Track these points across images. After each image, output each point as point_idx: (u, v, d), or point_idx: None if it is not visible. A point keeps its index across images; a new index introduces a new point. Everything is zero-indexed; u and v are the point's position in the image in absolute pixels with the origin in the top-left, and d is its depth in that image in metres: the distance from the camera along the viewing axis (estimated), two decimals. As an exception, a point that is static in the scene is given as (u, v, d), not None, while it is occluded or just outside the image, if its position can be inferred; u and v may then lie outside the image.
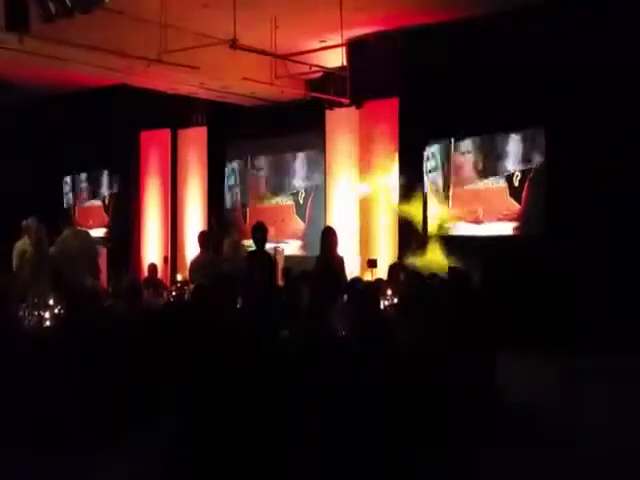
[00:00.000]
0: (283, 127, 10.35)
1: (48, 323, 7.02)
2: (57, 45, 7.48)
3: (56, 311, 7.28)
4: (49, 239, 8.56)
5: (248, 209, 11.24)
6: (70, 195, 13.00)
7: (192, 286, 7.06)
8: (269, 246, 7.87)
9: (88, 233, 8.81)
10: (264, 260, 7.03)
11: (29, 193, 11.78)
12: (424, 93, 8.58)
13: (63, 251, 8.09)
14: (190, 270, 8.10)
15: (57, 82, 10.85)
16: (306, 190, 10.70)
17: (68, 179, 13.03)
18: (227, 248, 8.56)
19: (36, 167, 12.25)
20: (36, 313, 7.13)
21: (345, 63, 8.67)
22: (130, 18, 7.76)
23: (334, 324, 5.49)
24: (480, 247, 8.19)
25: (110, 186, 12.42)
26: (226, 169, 11.50)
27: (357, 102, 9.26)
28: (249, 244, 9.22)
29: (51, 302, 7.72)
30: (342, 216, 9.46)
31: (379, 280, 7.79)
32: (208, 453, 4.30)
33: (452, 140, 8.81)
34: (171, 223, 11.63)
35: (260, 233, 7.13)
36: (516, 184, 8.31)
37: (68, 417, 5.55)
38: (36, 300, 7.36)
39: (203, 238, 8.51)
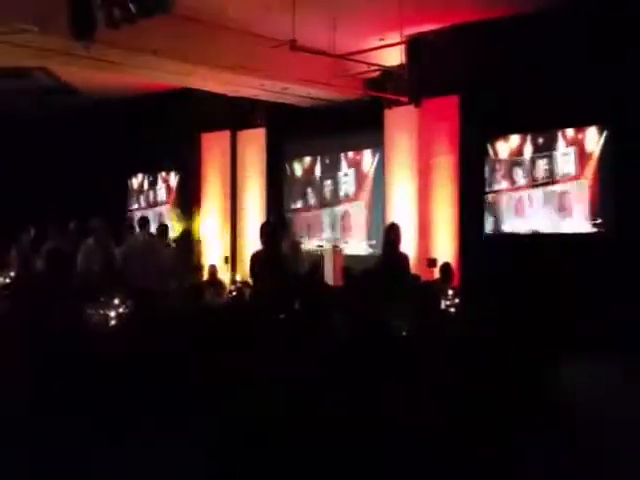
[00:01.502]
0: (341, 127, 10.33)
1: (113, 322, 7.20)
2: (121, 51, 7.66)
3: (121, 310, 7.45)
4: (116, 240, 8.79)
5: (310, 208, 11.28)
6: (135, 196, 13.32)
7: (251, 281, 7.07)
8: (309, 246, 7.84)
9: (156, 236, 8.99)
10: (400, 262, 6.92)
11: (95, 194, 12.12)
12: (486, 90, 8.44)
13: (130, 252, 8.29)
14: (252, 264, 8.11)
15: (121, 87, 11.11)
16: (365, 189, 10.66)
17: (133, 181, 13.36)
18: (286, 249, 8.58)
19: (102, 169, 12.58)
20: (102, 312, 7.31)
21: (404, 61, 8.58)
22: (192, 22, 7.90)
23: (396, 323, 5.45)
24: (532, 246, 7.97)
25: (170, 187, 12.67)
26: (285, 169, 11.56)
27: (416, 100, 9.17)
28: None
29: (116, 301, 7.90)
30: (401, 214, 9.38)
31: (439, 280, 7.71)
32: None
33: (515, 137, 8.65)
34: (231, 223, 11.76)
35: (393, 233, 7.03)
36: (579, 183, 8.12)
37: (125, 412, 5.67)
38: (102, 299, 7.55)
39: (266, 229, 8.54)
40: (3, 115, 12.21)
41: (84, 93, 11.49)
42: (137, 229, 9.01)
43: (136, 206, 13.20)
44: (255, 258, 7.46)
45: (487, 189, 8.84)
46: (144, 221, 9.03)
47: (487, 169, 8.84)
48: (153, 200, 13.03)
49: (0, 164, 13.15)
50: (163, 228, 9.27)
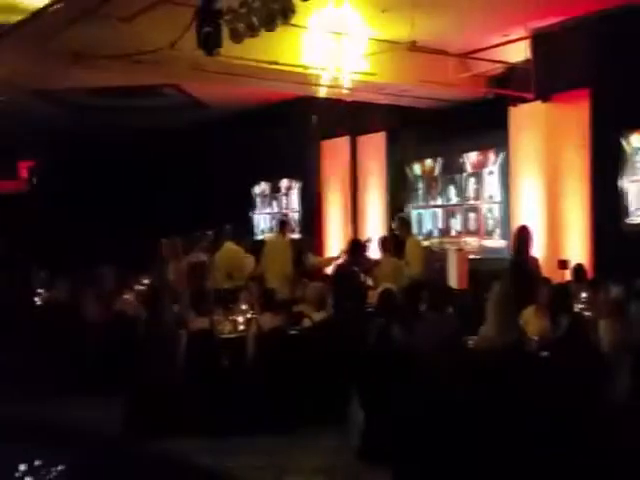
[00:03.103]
0: (463, 127, 10.10)
1: (242, 327, 7.37)
2: (245, 63, 7.86)
3: (248, 316, 7.62)
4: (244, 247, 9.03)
5: (431, 210, 11.12)
6: (258, 204, 13.67)
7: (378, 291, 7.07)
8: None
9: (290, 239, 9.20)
10: (530, 265, 6.73)
11: (222, 203, 12.56)
12: (618, 82, 7.97)
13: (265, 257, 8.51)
14: (374, 276, 8.12)
15: (243, 98, 11.44)
16: (488, 189, 10.36)
17: (256, 189, 13.73)
18: (409, 250, 8.50)
19: (227, 179, 13.02)
20: (230, 318, 7.51)
21: (530, 56, 8.27)
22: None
23: (523, 329, 5.24)
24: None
25: (294, 193, 12.90)
26: (405, 172, 11.46)
27: (544, 96, 8.80)
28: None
29: (243, 307, 8.09)
30: (528, 215, 9.03)
31: (570, 282, 7.35)
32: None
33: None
34: (353, 229, 11.79)
35: (523, 236, 6.88)
36: None
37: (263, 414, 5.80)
38: (231, 305, 7.76)
39: (386, 243, 8.53)
40: (137, 131, 12.90)
41: (210, 106, 11.93)
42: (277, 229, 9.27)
43: (260, 213, 13.57)
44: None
45: (623, 185, 8.33)
46: (283, 223, 9.38)
47: (621, 164, 8.33)
48: (277, 207, 13.33)
49: (134, 178, 13.92)
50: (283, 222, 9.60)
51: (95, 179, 14.18)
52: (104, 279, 8.68)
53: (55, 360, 7.75)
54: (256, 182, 13.69)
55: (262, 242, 9.90)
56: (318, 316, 6.62)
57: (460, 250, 9.69)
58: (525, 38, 8.01)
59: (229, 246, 8.91)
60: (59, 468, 2.62)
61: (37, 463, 2.67)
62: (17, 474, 2.72)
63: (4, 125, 10.31)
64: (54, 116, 11.86)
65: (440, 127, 10.39)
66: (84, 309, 8.13)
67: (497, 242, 10.14)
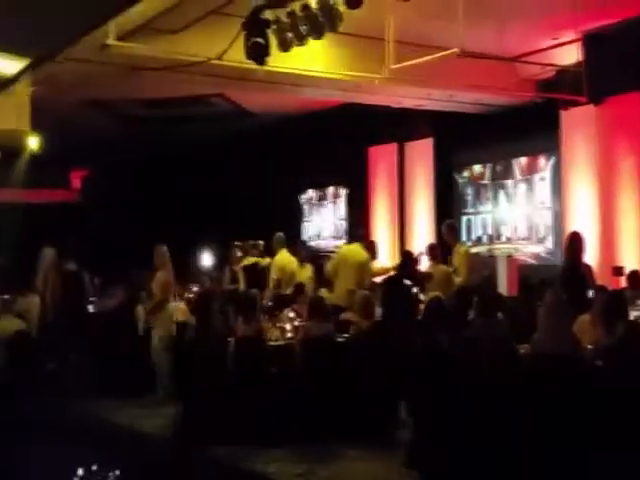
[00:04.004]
0: (512, 132, 9.96)
1: (289, 335, 7.39)
2: (290, 71, 7.92)
3: (296, 323, 7.64)
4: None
5: (481, 217, 11.00)
6: (306, 211, 13.73)
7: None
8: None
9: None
10: (583, 272, 6.67)
11: (270, 212, 12.65)
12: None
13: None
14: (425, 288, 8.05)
15: (289, 106, 11.51)
16: (539, 195, 10.19)
17: (303, 196, 13.79)
18: (456, 258, 8.42)
19: (274, 187, 13.11)
20: (278, 325, 7.54)
21: (581, 58, 8.11)
22: (356, 37, 7.99)
23: (577, 337, 5.13)
24: None
25: (342, 201, 12.92)
26: (454, 178, 11.36)
27: (596, 99, 8.62)
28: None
29: (291, 315, 8.11)
30: (581, 221, 8.85)
31: (625, 289, 7.17)
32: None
33: None
34: (399, 236, 11.74)
35: (575, 243, 6.78)
36: None
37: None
38: (277, 313, 7.81)
39: (433, 250, 8.46)
40: (186, 141, 13.11)
41: (257, 115, 12.04)
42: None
43: (308, 221, 13.63)
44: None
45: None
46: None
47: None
48: (324, 215, 13.36)
49: (183, 187, 14.13)
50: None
51: (145, 188, 14.45)
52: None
53: (109, 365, 7.93)
54: (303, 190, 13.75)
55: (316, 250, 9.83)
56: (365, 324, 6.60)
57: (510, 257, 9.54)
58: (576, 40, 7.86)
59: (283, 254, 8.92)
60: (116, 473, 2.67)
61: (94, 468, 2.73)
62: (75, 478, 2.78)
63: (58, 135, 10.58)
64: (105, 126, 12.13)
65: (489, 132, 10.26)
66: (136, 316, 8.27)
67: (549, 248, 9.97)
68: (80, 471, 2.76)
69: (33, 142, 10.05)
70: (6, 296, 8.44)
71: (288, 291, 8.29)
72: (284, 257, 8.90)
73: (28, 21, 4.14)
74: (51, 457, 2.89)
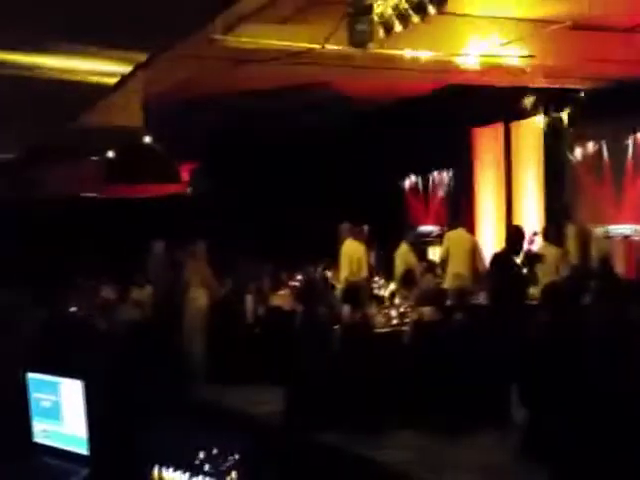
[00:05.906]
0: (629, 108, 9.41)
1: (395, 322, 7.37)
2: (395, 55, 7.78)
3: (402, 310, 7.60)
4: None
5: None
6: (409, 196, 13.58)
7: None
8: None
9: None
10: None
11: (372, 197, 12.60)
12: None
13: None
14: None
15: (391, 91, 11.35)
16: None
17: (406, 181, 13.64)
18: (572, 237, 8.14)
19: (376, 173, 13.03)
20: (384, 312, 7.54)
21: None
22: (462, 18, 7.73)
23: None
24: None
25: (445, 185, 12.68)
26: (566, 157, 10.88)
27: None
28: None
29: (397, 301, 8.07)
30: None
31: None
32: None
33: None
34: (507, 218, 11.41)
35: None
36: None
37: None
38: (384, 298, 7.78)
39: (548, 232, 8.19)
40: (289, 131, 13.23)
41: (357, 102, 11.97)
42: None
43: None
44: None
45: None
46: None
47: None
48: (427, 198, 13.17)
49: (288, 176, 14.30)
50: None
51: (251, 179, 14.73)
52: (262, 276, 9.08)
53: (221, 351, 8.18)
54: (405, 175, 13.59)
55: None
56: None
57: (628, 238, 9.08)
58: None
59: (348, 243, 8.97)
60: (236, 457, 2.73)
61: (215, 451, 2.81)
62: (196, 461, 2.88)
63: (167, 131, 10.94)
64: (211, 119, 12.43)
65: (602, 108, 9.75)
66: (245, 305, 8.50)
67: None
68: (201, 454, 2.85)
69: (147, 139, 10.45)
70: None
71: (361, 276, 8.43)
72: (350, 245, 8.92)
73: (139, 19, 4.28)
74: (172, 441, 3.00)
